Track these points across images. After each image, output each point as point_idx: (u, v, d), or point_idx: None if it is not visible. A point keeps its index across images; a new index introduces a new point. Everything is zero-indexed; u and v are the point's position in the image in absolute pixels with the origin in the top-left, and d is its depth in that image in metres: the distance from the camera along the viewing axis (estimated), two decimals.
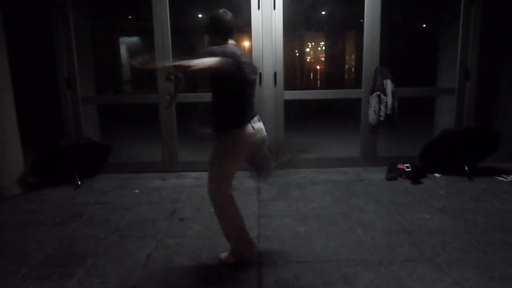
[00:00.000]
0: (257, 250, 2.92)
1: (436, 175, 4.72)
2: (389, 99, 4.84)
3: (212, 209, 3.77)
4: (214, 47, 2.52)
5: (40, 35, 5.44)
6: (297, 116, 7.33)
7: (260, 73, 4.83)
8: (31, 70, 5.96)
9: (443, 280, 2.54)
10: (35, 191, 4.46)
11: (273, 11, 4.83)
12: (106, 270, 2.76)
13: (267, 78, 4.93)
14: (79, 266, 2.81)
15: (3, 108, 4.24)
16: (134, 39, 13.72)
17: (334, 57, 14.87)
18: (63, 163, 4.66)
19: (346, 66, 14.94)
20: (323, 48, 16.16)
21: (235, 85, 2.58)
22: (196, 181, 4.77)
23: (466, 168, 4.58)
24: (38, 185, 4.58)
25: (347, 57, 14.72)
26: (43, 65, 5.53)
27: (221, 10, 2.68)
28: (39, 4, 5.06)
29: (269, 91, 4.94)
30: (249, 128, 2.64)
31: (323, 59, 16.31)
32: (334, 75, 14.88)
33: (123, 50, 13.48)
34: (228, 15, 2.66)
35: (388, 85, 4.86)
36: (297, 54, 15.78)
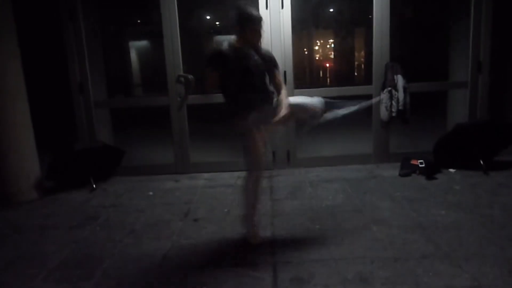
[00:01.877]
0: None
1: (451, 170, 4.66)
2: (400, 95, 4.80)
3: (226, 210, 3.83)
4: None
5: (52, 40, 5.52)
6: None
7: None
8: (43, 76, 6.05)
9: (461, 275, 2.51)
10: (51, 195, 4.52)
11: (281, 10, 4.83)
12: (123, 271, 2.79)
13: None
14: (96, 268, 2.84)
15: (18, 114, 4.31)
16: (143, 43, 13.84)
17: (343, 54, 14.79)
18: (77, 167, 4.72)
19: (356, 62, 14.84)
20: (332, 45, 16.08)
21: None
22: (208, 182, 4.79)
23: (482, 162, 4.52)
24: (53, 189, 4.65)
25: (356, 53, 14.62)
26: (55, 71, 5.61)
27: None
28: (50, 10, 5.14)
29: None
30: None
31: (332, 56, 16.23)
32: (344, 72, 14.79)
33: (133, 54, 13.60)
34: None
35: (399, 80, 4.82)
36: (306, 53, 15.72)
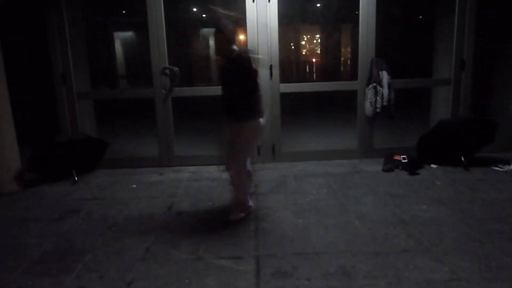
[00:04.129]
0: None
1: (433, 166, 4.73)
2: (385, 91, 4.84)
3: (210, 203, 3.83)
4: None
5: (34, 30, 5.39)
6: (294, 109, 7.32)
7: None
8: (25, 66, 5.92)
9: (440, 270, 2.56)
10: (32, 188, 4.45)
11: (268, 3, 4.81)
12: (105, 264, 2.76)
13: (263, 71, 4.91)
14: (78, 261, 2.81)
15: None
16: (128, 34, 13.62)
17: (330, 49, 14.83)
18: (59, 159, 4.64)
19: (342, 58, 14.91)
20: (319, 40, 16.12)
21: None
22: (193, 175, 4.77)
23: (463, 158, 4.60)
24: (35, 182, 4.57)
25: (343, 49, 14.68)
26: (37, 61, 5.49)
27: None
28: None
29: (265, 84, 4.92)
30: None
31: (319, 51, 16.27)
32: (330, 67, 14.85)
33: (117, 45, 13.38)
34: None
35: (384, 76, 4.86)
36: (293, 47, 15.72)
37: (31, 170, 4.56)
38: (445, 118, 5.00)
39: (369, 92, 4.88)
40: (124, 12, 11.95)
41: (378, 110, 4.89)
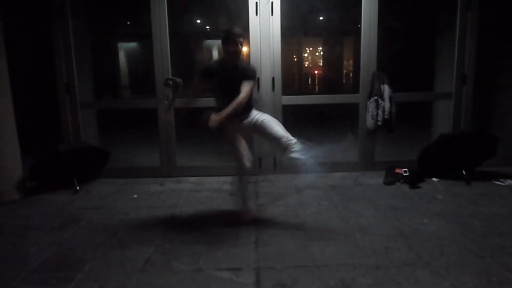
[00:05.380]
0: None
1: (434, 179, 4.73)
2: (386, 104, 4.87)
3: (211, 214, 3.82)
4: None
5: (39, 39, 5.46)
6: (295, 121, 7.33)
7: (258, 78, 4.86)
8: (29, 75, 5.97)
9: (441, 284, 2.55)
10: (33, 196, 4.45)
11: (271, 17, 4.86)
12: (104, 274, 2.76)
13: (265, 84, 4.95)
14: (77, 270, 2.80)
15: (1, 113, 4.24)
16: (132, 45, 13.75)
17: (332, 62, 14.90)
18: (61, 168, 4.66)
19: (344, 71, 14.97)
20: (321, 53, 16.21)
21: None
22: (194, 186, 4.77)
23: (464, 172, 4.60)
24: (36, 190, 4.58)
25: (345, 62, 14.76)
26: (41, 70, 5.54)
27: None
28: (38, 9, 5.08)
29: (267, 96, 4.96)
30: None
31: (321, 64, 16.36)
32: (332, 80, 14.91)
33: (121, 55, 13.49)
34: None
35: (386, 90, 4.88)
36: (295, 59, 15.82)
37: (32, 178, 4.58)
38: (446, 132, 5.01)
39: (371, 105, 4.90)
40: (128, 23, 12.08)
41: (379, 123, 4.91)
